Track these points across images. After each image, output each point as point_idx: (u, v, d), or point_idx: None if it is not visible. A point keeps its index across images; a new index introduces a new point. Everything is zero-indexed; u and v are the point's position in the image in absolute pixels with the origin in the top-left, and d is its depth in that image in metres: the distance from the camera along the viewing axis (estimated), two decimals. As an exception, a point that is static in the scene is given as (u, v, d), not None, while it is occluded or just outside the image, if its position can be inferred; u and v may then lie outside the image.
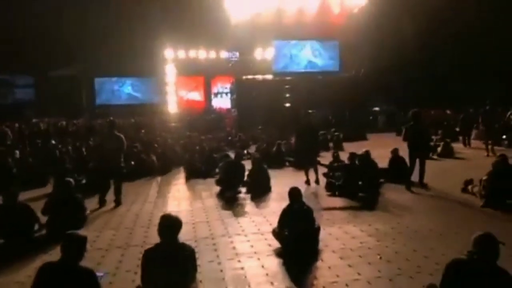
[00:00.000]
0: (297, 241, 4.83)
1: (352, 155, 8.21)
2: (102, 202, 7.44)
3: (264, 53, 25.12)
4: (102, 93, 29.12)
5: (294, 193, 5.18)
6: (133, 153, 10.58)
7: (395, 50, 23.75)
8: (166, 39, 23.91)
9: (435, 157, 11.74)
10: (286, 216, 5.09)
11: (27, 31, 28.00)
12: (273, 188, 8.51)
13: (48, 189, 9.05)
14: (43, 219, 6.04)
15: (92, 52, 27.03)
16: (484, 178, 6.97)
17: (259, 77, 24.04)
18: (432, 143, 11.46)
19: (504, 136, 13.30)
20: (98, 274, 3.60)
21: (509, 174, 6.76)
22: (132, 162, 10.05)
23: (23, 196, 6.74)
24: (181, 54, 24.43)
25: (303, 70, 25.56)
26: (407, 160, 8.28)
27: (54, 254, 5.08)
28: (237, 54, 25.61)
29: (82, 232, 3.70)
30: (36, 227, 5.93)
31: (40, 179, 9.43)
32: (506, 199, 6.63)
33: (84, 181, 8.57)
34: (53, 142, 12.54)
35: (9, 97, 31.11)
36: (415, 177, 8.23)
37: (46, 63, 27.97)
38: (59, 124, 17.03)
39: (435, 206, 7.01)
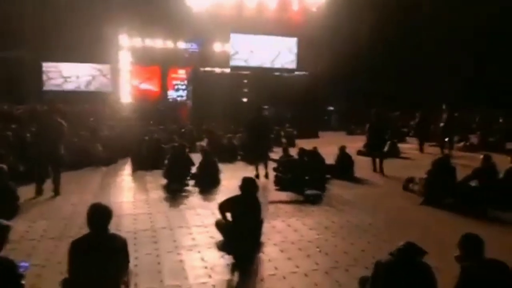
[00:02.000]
0: (243, 233, 4.77)
1: (301, 151, 8.31)
2: (39, 191, 7.04)
3: (223, 46, 24.83)
4: (51, 79, 27.62)
5: (250, 184, 4.98)
6: (78, 141, 10.10)
7: (352, 49, 24.35)
8: (121, 25, 23.06)
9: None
10: (235, 206, 4.92)
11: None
12: (222, 182, 8.44)
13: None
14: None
15: (41, 35, 25.50)
16: (424, 176, 7.26)
17: (217, 70, 23.79)
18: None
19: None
20: (21, 264, 3.40)
21: (448, 173, 7.07)
22: (75, 150, 9.58)
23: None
24: (137, 42, 23.67)
25: (261, 66, 25.56)
26: (353, 157, 8.55)
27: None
28: (195, 45, 25.19)
29: (13, 222, 3.47)
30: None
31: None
32: (443, 197, 6.91)
33: (22, 169, 8.07)
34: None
35: None
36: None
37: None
38: (1, 108, 15.99)
39: (376, 202, 7.22)
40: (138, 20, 23.41)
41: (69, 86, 27.72)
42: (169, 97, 27.13)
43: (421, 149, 13.03)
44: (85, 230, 5.30)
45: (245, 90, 23.69)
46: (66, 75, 27.78)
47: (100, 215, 3.52)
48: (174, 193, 7.65)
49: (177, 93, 27.83)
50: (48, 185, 7.31)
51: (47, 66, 27.29)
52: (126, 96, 23.41)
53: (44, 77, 27.26)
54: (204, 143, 14.01)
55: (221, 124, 17.10)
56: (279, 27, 24.21)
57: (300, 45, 25.41)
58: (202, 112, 19.77)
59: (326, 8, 23.51)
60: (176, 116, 19.37)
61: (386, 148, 12.06)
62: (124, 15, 22.88)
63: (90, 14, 24.10)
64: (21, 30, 26.04)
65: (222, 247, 4.94)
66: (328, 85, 24.14)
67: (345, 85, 25.72)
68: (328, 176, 8.64)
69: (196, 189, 8.01)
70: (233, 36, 24.64)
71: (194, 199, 7.40)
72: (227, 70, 24.36)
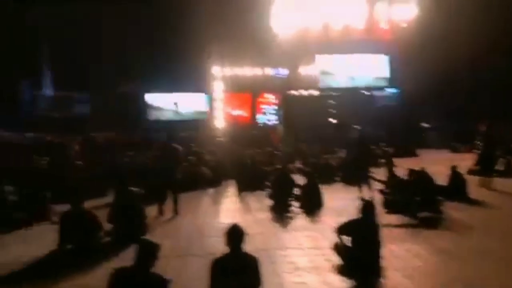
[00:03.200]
0: (363, 257, 4.70)
1: (410, 171, 7.98)
2: (160, 212, 7.68)
3: (309, 69, 25.14)
4: (153, 108, 30.23)
5: (370, 207, 4.95)
6: (187, 165, 10.86)
7: (445, 65, 22.97)
8: (214, 57, 24.63)
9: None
10: (355, 229, 4.89)
11: (85, 51, 29.96)
12: (325, 204, 8.41)
13: (108, 199, 9.48)
14: (107, 226, 6.31)
15: (143, 68, 28.35)
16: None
17: (305, 92, 24.06)
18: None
19: None
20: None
21: None
22: (187, 174, 10.28)
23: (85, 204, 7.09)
24: (228, 71, 25.03)
25: (349, 86, 25.25)
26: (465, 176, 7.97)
27: (118, 261, 5.30)
28: (283, 70, 25.82)
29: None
30: (100, 234, 6.19)
31: (100, 189, 9.88)
32: None
33: (142, 191, 8.87)
34: (111, 154, 13.18)
35: (68, 112, 33.27)
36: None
37: (104, 79, 29.71)
38: (116, 137, 17.87)
39: (501, 225, 6.61)
40: (229, 51, 24.84)
41: (169, 115, 30.07)
42: (258, 121, 27.97)
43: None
44: (207, 249, 5.74)
45: (333, 110, 23.58)
46: (166, 104, 30.18)
47: (237, 235, 3.75)
48: (281, 214, 7.80)
49: (266, 117, 28.60)
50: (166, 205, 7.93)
51: (149, 97, 29.94)
52: (220, 122, 24.67)
53: (148, 107, 29.91)
54: (299, 164, 14.20)
55: (312, 146, 17.13)
56: (367, 45, 23.87)
57: (390, 62, 24.71)
58: (292, 135, 20.04)
59: (417, 22, 22.65)
60: (269, 140, 19.85)
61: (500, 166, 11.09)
62: (217, 48, 24.48)
63: (187, 49, 26.20)
64: (127, 66, 29.20)
65: (343, 270, 4.89)
66: (421, 102, 22.95)
67: (440, 101, 24.20)
68: (440, 197, 8.14)
69: (301, 211, 8.07)
70: (319, 58, 24.82)
71: (301, 220, 7.47)
72: (315, 92, 24.53)
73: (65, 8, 31.58)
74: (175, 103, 29.74)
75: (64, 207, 6.42)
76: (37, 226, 7.36)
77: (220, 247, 5.26)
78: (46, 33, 33.26)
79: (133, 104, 29.05)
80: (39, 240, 6.42)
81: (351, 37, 23.39)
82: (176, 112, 30.34)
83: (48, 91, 36.22)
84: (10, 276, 5.02)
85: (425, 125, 24.32)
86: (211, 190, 10.58)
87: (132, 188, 6.74)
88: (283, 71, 25.93)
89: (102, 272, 4.99)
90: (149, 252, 3.47)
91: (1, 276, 4.98)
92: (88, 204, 6.56)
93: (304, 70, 25.18)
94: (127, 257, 5.33)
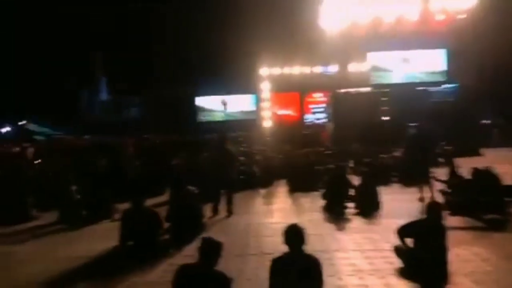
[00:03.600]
0: (429, 261, 4.47)
1: (475, 171, 7.50)
2: (215, 211, 7.79)
3: (360, 66, 24.54)
4: (203, 110, 30.92)
5: (437, 208, 4.72)
6: (238, 165, 10.93)
7: (505, 58, 21.47)
8: (261, 57, 24.70)
9: None
10: (419, 231, 4.66)
11: (136, 56, 31.27)
12: (382, 205, 8.12)
13: (164, 197, 9.79)
14: (165, 224, 6.48)
15: (193, 71, 29.11)
16: None
17: (355, 90, 23.48)
18: None
19: None
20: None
21: None
22: (240, 176, 10.36)
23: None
24: (276, 71, 24.97)
25: (402, 81, 24.33)
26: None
27: (179, 258, 5.44)
28: (332, 68, 25.40)
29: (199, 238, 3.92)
30: (160, 231, 6.36)
31: (157, 188, 10.21)
32: None
33: (196, 191, 9.04)
34: (165, 155, 13.60)
35: (123, 115, 35.00)
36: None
37: (155, 83, 30.93)
38: (169, 138, 18.45)
39: None
40: (277, 51, 24.82)
41: (218, 116, 30.63)
42: (305, 120, 27.72)
43: None
44: (263, 249, 5.74)
45: (385, 108, 22.80)
46: (216, 106, 30.76)
47: (299, 235, 3.70)
48: (336, 215, 7.64)
49: (314, 116, 28.27)
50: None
51: (201, 99, 30.66)
52: (268, 122, 24.71)
53: (197, 110, 30.64)
54: (352, 164, 13.86)
55: (364, 145, 16.62)
56: (421, 39, 22.86)
57: (447, 56, 23.52)
58: (343, 134, 19.59)
59: (475, 13, 21.36)
60: (319, 139, 19.57)
61: None
62: (263, 48, 24.52)
63: (235, 51, 26.54)
64: (178, 69, 30.11)
65: (406, 274, 4.68)
66: (478, 98, 21.61)
67: (497, 97, 22.66)
68: (507, 199, 7.58)
69: (357, 212, 7.85)
70: (370, 55, 24.16)
71: (358, 222, 7.26)
72: (366, 90, 23.87)
73: (116, 14, 33.13)
74: (224, 104, 30.26)
75: (125, 206, 6.69)
76: (100, 223, 7.71)
77: (276, 247, 5.26)
78: (101, 40, 35.15)
79: (184, 107, 29.90)
80: (103, 237, 6.72)
81: (404, 30, 22.52)
82: (225, 113, 30.86)
83: (103, 96, 38.34)
84: (76, 270, 5.30)
85: (486, 122, 22.87)
86: (262, 190, 10.59)
87: (189, 187, 6.87)
88: (332, 69, 25.52)
89: (162, 269, 5.17)
90: (213, 249, 3.51)
91: (69, 270, 5.27)
92: (146, 203, 6.75)
93: (354, 67, 24.61)
94: (186, 254, 5.49)
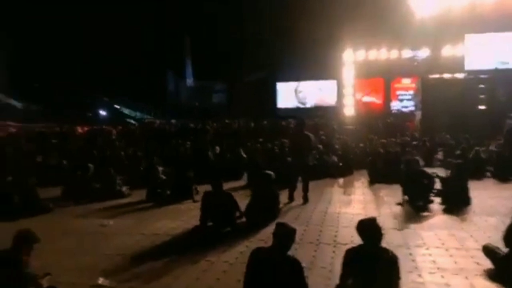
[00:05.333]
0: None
1: None
2: (291, 198, 7.79)
3: (454, 50, 22.59)
4: (283, 96, 31.01)
5: None
6: (315, 153, 10.79)
7: None
8: (345, 41, 23.85)
9: None
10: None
11: (221, 44, 32.22)
12: (473, 201, 7.46)
13: (241, 182, 10.06)
14: (243, 207, 6.65)
15: (276, 58, 29.20)
16: None
17: (448, 76, 21.67)
18: None
19: None
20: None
21: None
22: (315, 162, 10.23)
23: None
24: (360, 55, 23.95)
25: (503, 67, 21.91)
26: None
27: (254, 241, 5.56)
28: (422, 52, 23.73)
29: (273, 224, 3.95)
30: (237, 214, 6.55)
31: (235, 173, 10.51)
32: None
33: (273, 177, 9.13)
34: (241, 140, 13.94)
35: (206, 100, 36.60)
36: None
37: (239, 70, 31.68)
38: (248, 124, 18.82)
39: None
40: (362, 34, 23.76)
41: (298, 103, 30.52)
42: (392, 108, 26.39)
43: None
44: (339, 239, 5.61)
45: (482, 96, 20.72)
46: (297, 92, 30.65)
47: (373, 229, 3.58)
48: (419, 210, 7.18)
49: (401, 103, 26.79)
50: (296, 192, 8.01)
51: (280, 85, 30.77)
52: (349, 109, 23.93)
53: (278, 96, 30.80)
54: (439, 156, 12.94)
55: (455, 136, 15.34)
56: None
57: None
58: (432, 123, 18.26)
59: None
60: (405, 128, 18.51)
61: None
62: (348, 31, 23.62)
63: (318, 35, 26.00)
64: (261, 55, 30.41)
65: (495, 277, 4.26)
66: None
67: None
68: None
69: (443, 207, 7.30)
70: (468, 37, 22.08)
71: (443, 218, 6.75)
72: (460, 76, 21.92)
73: (204, 2, 34.31)
74: (303, 90, 29.93)
75: (206, 188, 6.98)
76: (183, 203, 8.16)
77: (352, 238, 5.13)
78: (188, 26, 36.72)
79: (264, 92, 30.27)
80: (185, 216, 7.12)
81: (506, 11, 20.17)
82: (305, 100, 30.62)
83: (189, 81, 40.30)
84: (158, 246, 5.67)
85: None
86: (340, 180, 10.34)
87: (269, 172, 6.95)
88: (422, 53, 23.86)
89: (238, 250, 5.32)
90: (287, 235, 3.53)
91: (151, 246, 5.66)
92: (225, 186, 6.98)
93: (448, 51, 22.74)
94: (261, 238, 5.59)
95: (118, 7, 35.89)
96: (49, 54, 36.71)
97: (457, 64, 22.14)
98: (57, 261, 4.98)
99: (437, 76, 21.26)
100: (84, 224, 6.93)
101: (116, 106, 37.99)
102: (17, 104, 38.95)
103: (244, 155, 11.24)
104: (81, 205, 8.27)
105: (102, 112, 37.67)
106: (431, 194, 7.70)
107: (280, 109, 29.98)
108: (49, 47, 36.88)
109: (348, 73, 24.18)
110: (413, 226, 6.27)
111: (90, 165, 9.59)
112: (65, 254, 5.34)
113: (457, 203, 7.24)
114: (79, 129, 21.10)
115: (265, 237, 5.44)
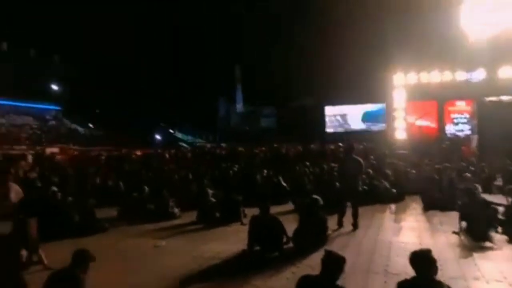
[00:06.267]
0: None
1: None
2: (340, 224, 7.64)
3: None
4: (332, 121, 30.81)
5: None
6: (366, 178, 10.56)
7: None
8: (395, 64, 23.44)
9: None
10: None
11: (270, 70, 32.89)
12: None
13: (289, 207, 10.01)
14: (290, 232, 6.61)
15: (324, 82, 29.27)
16: None
17: (507, 98, 20.55)
18: None
19: None
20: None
21: None
22: (365, 187, 10.00)
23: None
24: (412, 78, 23.35)
25: None
26: None
27: (302, 267, 5.50)
28: (477, 73, 22.75)
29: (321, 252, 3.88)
30: (284, 239, 6.52)
31: (283, 196, 10.49)
32: None
33: (321, 203, 9.02)
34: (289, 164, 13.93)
35: (256, 125, 37.24)
36: None
37: (287, 94, 32.10)
38: (296, 148, 18.82)
39: None
40: (413, 56, 23.27)
41: (347, 127, 30.13)
42: (447, 132, 25.29)
43: None
44: (390, 268, 5.42)
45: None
46: (345, 116, 30.34)
47: (427, 261, 3.47)
48: (478, 240, 6.75)
49: (456, 127, 25.63)
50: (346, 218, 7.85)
51: (328, 109, 30.64)
52: (401, 133, 23.21)
53: (327, 120, 30.64)
54: (499, 183, 12.15)
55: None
56: None
57: None
58: (490, 148, 17.28)
59: None
60: (460, 153, 17.64)
61: None
62: (398, 54, 23.25)
63: (366, 59, 25.78)
64: (309, 81, 30.60)
65: None
66: None
67: None
68: None
69: (505, 238, 6.82)
70: (530, 57, 20.91)
71: (505, 249, 6.31)
72: (521, 98, 20.71)
73: (253, 31, 35.43)
74: (344, 115, 29.52)
75: (254, 211, 7.05)
76: (231, 226, 8.27)
77: (404, 268, 4.93)
78: (239, 54, 38.03)
79: (311, 117, 30.26)
80: (232, 239, 7.21)
81: None
82: (353, 123, 30.17)
83: (239, 106, 41.37)
84: (207, 269, 5.76)
85: None
86: (392, 206, 10.00)
87: (317, 197, 6.90)
88: (478, 75, 22.85)
89: (285, 276, 5.29)
90: (336, 264, 3.50)
91: (200, 268, 5.77)
92: (273, 210, 7.00)
93: (505, 72, 21.64)
94: (309, 264, 5.53)
95: (171, 42, 38.18)
96: (111, 82, 39.47)
97: (517, 86, 20.98)
98: (110, 279, 5.22)
99: (494, 98, 20.26)
100: (137, 244, 7.21)
101: (170, 130, 39.72)
102: (80, 129, 41.78)
103: (292, 179, 11.20)
104: (135, 226, 8.62)
105: (158, 136, 39.47)
106: (494, 224, 7.23)
107: (328, 133, 29.76)
108: (112, 77, 39.68)
109: (399, 96, 23.60)
110: (471, 257, 5.93)
111: (145, 187, 10.03)
112: (118, 273, 5.58)
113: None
114: (137, 152, 22.18)
115: (312, 263, 5.38)
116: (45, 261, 5.73)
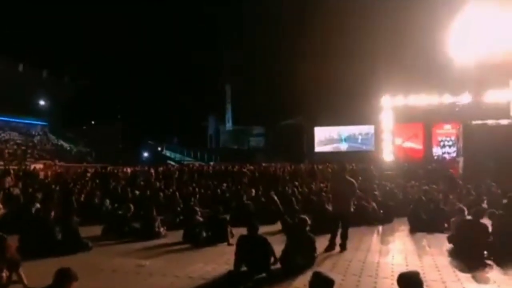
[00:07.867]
0: None
1: None
2: (331, 246, 7.54)
3: (497, 95, 22.01)
4: (320, 140, 31.01)
5: None
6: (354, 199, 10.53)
7: None
8: (383, 86, 23.90)
9: None
10: None
11: (260, 90, 33.23)
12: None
13: (277, 226, 9.89)
14: (277, 252, 6.51)
15: (313, 103, 29.60)
16: None
17: (492, 122, 20.97)
18: None
19: None
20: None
21: None
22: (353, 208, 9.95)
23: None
24: (399, 100, 23.78)
25: None
26: None
27: (290, 289, 5.40)
28: (463, 97, 23.27)
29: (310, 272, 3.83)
30: (272, 260, 6.41)
31: (270, 217, 10.38)
32: None
33: (309, 223, 8.95)
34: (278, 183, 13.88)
35: (245, 144, 37.34)
36: None
37: (275, 114, 32.37)
38: (285, 168, 18.81)
39: None
40: (401, 79, 23.77)
41: (336, 147, 30.32)
42: (434, 154, 25.65)
43: None
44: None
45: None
46: (334, 137, 30.58)
47: (416, 283, 3.45)
48: (467, 262, 6.74)
49: (443, 149, 26.02)
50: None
51: (317, 130, 30.87)
52: (388, 155, 23.46)
53: (316, 140, 30.83)
54: (485, 205, 12.26)
55: (501, 184, 14.53)
56: None
57: None
58: (476, 170, 17.53)
59: None
60: (447, 175, 17.84)
61: None
62: (387, 77, 23.73)
63: (355, 80, 26.23)
64: (297, 101, 30.91)
65: None
66: None
67: None
68: None
69: (493, 261, 6.82)
70: (513, 83, 21.47)
71: (493, 272, 6.30)
72: (504, 122, 21.16)
73: (244, 51, 35.95)
74: (340, 136, 29.82)
75: (241, 231, 6.94)
76: (217, 246, 8.13)
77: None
78: (228, 73, 38.43)
79: (300, 137, 30.44)
80: (219, 259, 7.06)
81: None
82: (342, 144, 30.39)
83: (228, 125, 41.53)
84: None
85: None
86: (380, 227, 9.98)
87: (305, 218, 6.85)
88: (464, 99, 23.38)
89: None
90: (325, 285, 3.43)
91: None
92: (261, 230, 6.89)
93: (490, 97, 22.16)
94: (296, 286, 5.44)
95: (159, 64, 38.59)
96: (100, 98, 39.34)
97: (500, 110, 21.49)
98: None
99: (480, 122, 20.65)
100: (121, 263, 7.02)
101: (158, 148, 39.55)
102: (66, 145, 41.24)
103: (276, 199, 11.11)
104: (120, 244, 8.42)
105: (145, 154, 39.18)
106: (480, 246, 7.24)
107: (317, 153, 29.88)
108: (100, 93, 39.62)
109: (387, 118, 23.97)
110: (458, 279, 5.90)
111: (130, 205, 9.85)
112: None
113: (507, 257, 6.76)
114: (123, 170, 21.91)
115: (300, 285, 5.30)
116: (25, 281, 5.53)
